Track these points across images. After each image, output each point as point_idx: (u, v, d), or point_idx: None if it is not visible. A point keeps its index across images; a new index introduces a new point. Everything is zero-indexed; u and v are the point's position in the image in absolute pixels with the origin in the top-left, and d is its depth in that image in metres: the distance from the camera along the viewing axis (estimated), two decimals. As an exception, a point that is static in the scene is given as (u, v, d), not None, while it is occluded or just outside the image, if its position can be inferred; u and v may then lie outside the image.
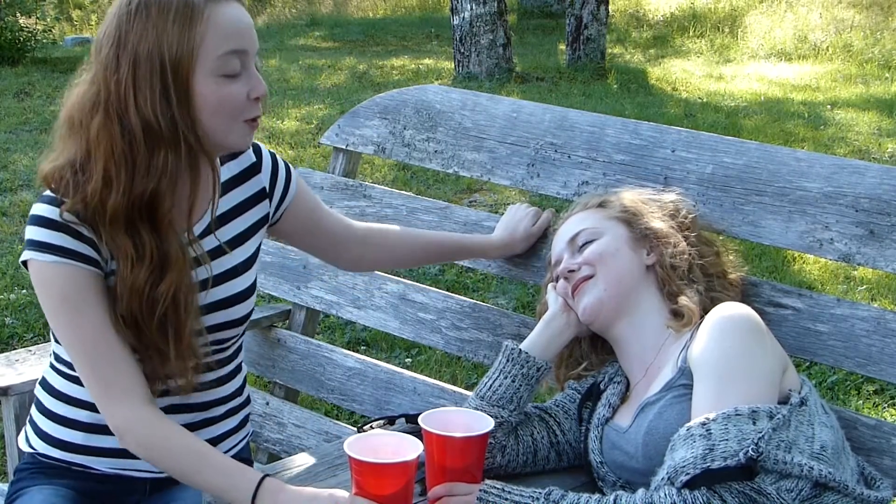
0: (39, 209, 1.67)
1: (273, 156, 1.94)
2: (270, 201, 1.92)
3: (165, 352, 1.70)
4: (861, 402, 3.68)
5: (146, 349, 1.70)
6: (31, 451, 1.87)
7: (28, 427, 1.90)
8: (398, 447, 1.54)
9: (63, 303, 1.66)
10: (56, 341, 1.80)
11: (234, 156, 1.86)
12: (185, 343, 1.71)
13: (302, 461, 1.93)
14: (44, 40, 11.21)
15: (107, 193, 1.62)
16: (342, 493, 1.55)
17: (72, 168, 1.66)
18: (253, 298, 1.88)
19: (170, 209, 1.67)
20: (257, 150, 1.91)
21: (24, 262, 1.68)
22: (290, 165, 1.98)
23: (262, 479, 1.60)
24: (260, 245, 1.92)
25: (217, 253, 1.79)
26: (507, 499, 1.63)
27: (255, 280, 1.89)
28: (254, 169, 1.90)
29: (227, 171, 1.85)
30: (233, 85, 1.65)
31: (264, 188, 1.91)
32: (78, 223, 1.65)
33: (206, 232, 1.78)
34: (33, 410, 1.89)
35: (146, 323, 1.67)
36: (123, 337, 1.68)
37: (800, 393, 1.64)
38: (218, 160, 1.76)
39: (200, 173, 1.69)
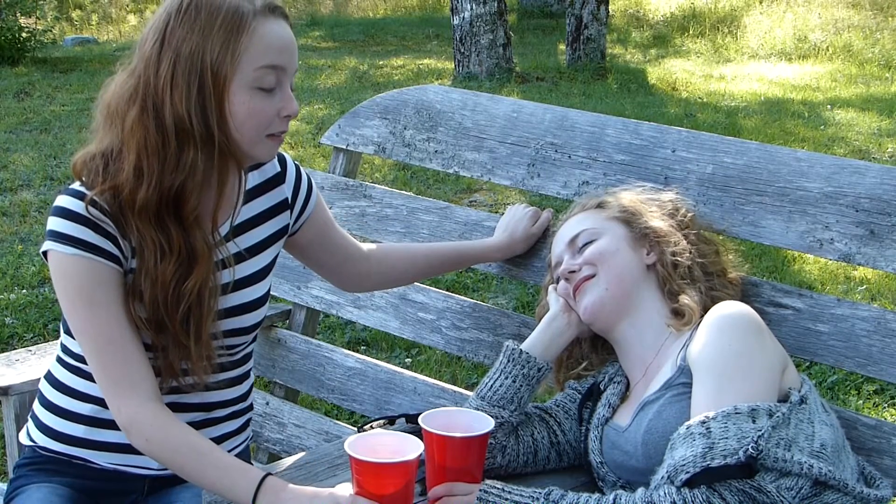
0: (64, 201, 1.68)
1: (297, 167, 1.96)
2: (291, 212, 1.93)
3: (186, 345, 1.71)
4: (861, 402, 3.68)
5: (165, 345, 1.71)
6: (31, 444, 1.88)
7: (29, 421, 1.91)
8: (398, 447, 1.54)
9: (79, 295, 1.67)
10: (67, 333, 1.80)
11: (259, 165, 1.87)
12: (202, 342, 1.72)
13: (302, 461, 1.93)
14: (44, 40, 11.22)
15: (137, 185, 1.64)
16: (343, 493, 1.55)
17: (103, 158, 1.68)
18: (264, 308, 1.88)
19: (195, 208, 1.68)
20: (282, 161, 1.92)
21: (44, 253, 1.69)
22: (311, 177, 1.99)
23: (264, 477, 1.60)
24: (277, 256, 1.92)
25: (236, 259, 1.80)
26: (507, 499, 1.63)
27: (269, 290, 1.89)
28: (278, 179, 1.91)
29: (252, 180, 1.87)
30: (266, 99, 1.66)
31: (286, 199, 1.92)
32: (102, 219, 1.66)
33: (227, 238, 1.79)
34: (35, 404, 1.89)
35: (170, 317, 1.68)
36: (137, 334, 1.69)
37: (800, 391, 1.64)
38: (244, 169, 1.78)
39: (228, 178, 1.71)
